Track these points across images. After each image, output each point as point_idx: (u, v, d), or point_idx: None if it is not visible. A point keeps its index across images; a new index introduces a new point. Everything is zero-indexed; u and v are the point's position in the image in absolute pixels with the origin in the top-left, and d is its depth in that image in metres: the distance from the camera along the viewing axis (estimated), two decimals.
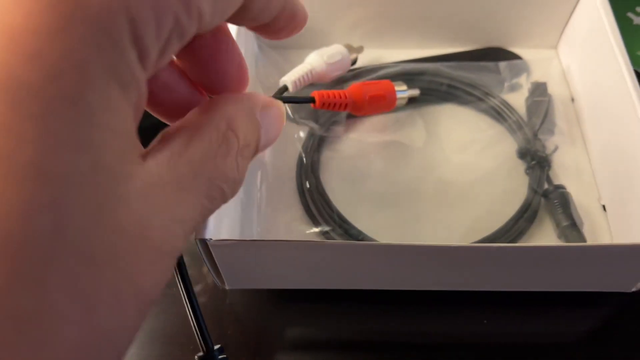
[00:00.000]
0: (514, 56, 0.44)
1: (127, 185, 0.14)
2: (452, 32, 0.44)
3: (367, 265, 0.30)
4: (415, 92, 0.39)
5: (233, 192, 0.18)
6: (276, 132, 0.21)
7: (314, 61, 0.39)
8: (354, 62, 0.41)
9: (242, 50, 0.37)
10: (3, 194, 0.12)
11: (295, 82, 0.37)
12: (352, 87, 0.36)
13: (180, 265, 0.23)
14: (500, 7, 0.42)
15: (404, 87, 0.38)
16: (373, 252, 0.29)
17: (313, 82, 0.38)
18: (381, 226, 0.35)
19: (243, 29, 0.37)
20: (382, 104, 0.37)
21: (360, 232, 0.35)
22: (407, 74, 0.42)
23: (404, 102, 0.39)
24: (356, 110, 0.36)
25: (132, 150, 0.14)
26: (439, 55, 0.44)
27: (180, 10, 0.14)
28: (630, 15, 0.47)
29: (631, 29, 0.46)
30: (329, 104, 0.34)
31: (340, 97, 0.34)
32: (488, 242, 0.34)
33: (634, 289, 0.32)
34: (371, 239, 0.34)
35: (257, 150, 0.19)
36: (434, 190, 0.37)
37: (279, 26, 0.20)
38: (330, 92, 0.34)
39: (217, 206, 0.17)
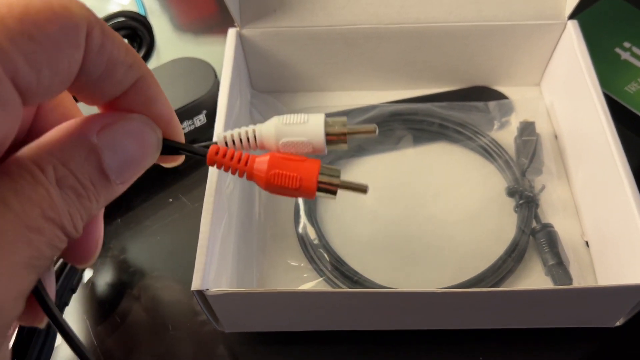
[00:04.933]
0: (499, 95, 0.46)
1: None
2: (437, 73, 0.45)
3: (362, 309, 0.32)
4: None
5: (50, 236, 0.17)
6: (132, 148, 0.19)
7: (270, 126, 0.25)
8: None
9: (237, 99, 0.39)
10: None
11: (226, 137, 0.25)
12: (268, 160, 0.24)
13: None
14: (483, 48, 0.43)
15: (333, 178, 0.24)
16: (366, 299, 0.31)
17: (258, 148, 0.26)
18: (374, 267, 0.37)
19: (236, 74, 0.40)
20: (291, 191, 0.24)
21: (355, 273, 0.36)
22: (399, 114, 0.43)
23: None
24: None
25: None
26: (427, 95, 0.46)
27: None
28: (618, 50, 0.49)
29: (619, 64, 0.48)
30: (227, 167, 0.24)
31: (241, 164, 0.24)
32: (477, 281, 0.36)
33: (617, 324, 0.34)
34: (365, 280, 0.36)
35: (104, 173, 0.19)
36: (424, 229, 0.39)
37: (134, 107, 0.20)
38: (233, 154, 0.24)
39: (59, 243, 0.17)
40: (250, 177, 0.24)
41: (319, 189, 0.24)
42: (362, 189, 0.25)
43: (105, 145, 0.19)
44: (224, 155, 0.24)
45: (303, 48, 0.43)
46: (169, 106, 0.21)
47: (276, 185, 0.24)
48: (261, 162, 0.24)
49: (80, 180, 0.18)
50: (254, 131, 0.25)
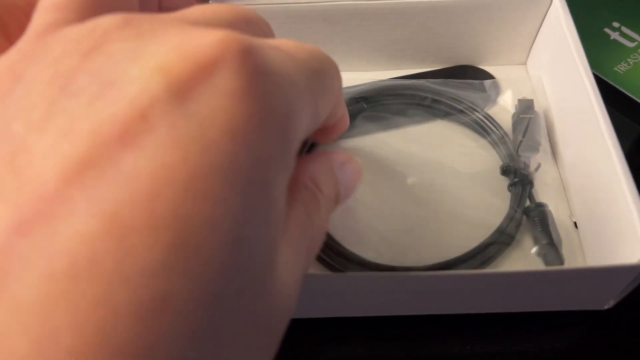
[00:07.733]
0: (485, 74, 0.45)
1: (278, 260, 0.16)
2: (421, 52, 0.44)
3: (352, 294, 0.31)
4: None
5: (321, 243, 0.20)
6: (354, 185, 0.23)
7: None
8: None
9: None
10: (201, 254, 0.13)
11: None
12: None
13: None
14: (467, 25, 0.42)
15: None
16: (357, 282, 0.30)
17: None
18: (363, 244, 0.36)
19: None
20: None
21: (340, 245, 0.35)
22: (392, 88, 0.42)
23: None
24: None
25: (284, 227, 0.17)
26: (411, 75, 0.45)
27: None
28: (607, 30, 0.48)
29: (608, 44, 0.47)
30: None
31: None
32: (466, 258, 0.34)
33: (606, 307, 0.33)
34: (349, 253, 0.35)
35: (337, 204, 0.22)
36: (415, 206, 0.38)
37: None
38: None
39: (313, 260, 0.19)
40: None
41: None
42: None
43: (341, 179, 0.22)
44: None
45: (281, 27, 0.41)
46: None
47: None
48: None
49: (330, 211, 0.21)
50: None
